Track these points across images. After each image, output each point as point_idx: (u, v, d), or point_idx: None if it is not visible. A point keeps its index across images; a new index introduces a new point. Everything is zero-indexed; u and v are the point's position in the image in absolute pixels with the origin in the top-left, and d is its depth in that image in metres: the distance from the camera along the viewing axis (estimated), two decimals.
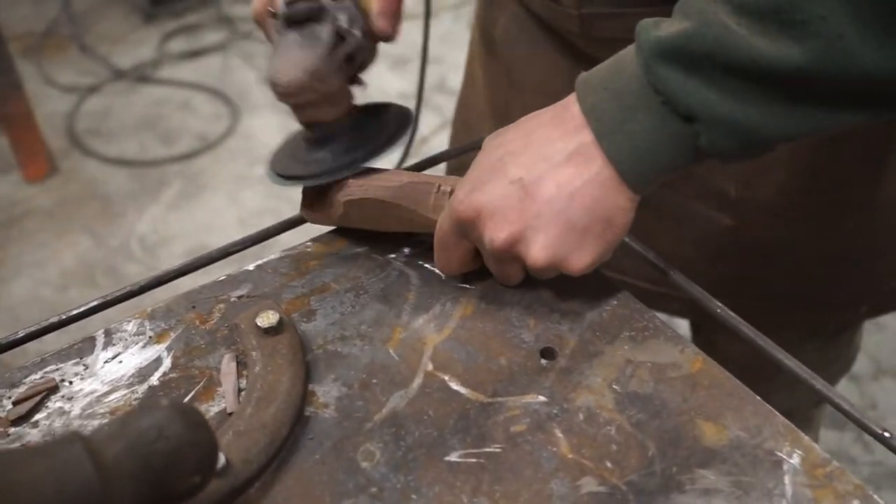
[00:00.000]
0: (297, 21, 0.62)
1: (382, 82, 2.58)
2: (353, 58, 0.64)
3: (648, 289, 0.87)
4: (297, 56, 0.61)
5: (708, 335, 0.98)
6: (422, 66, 0.93)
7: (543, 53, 0.83)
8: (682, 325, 1.06)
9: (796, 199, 0.79)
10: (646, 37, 0.53)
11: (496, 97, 0.92)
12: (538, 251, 0.56)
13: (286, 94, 0.62)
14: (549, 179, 0.56)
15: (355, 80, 0.66)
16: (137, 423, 0.40)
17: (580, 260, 0.57)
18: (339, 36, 0.62)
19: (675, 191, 0.81)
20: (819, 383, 0.58)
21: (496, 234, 0.57)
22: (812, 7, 0.47)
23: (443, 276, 0.65)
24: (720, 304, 0.64)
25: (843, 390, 1.69)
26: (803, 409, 1.10)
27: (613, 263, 0.87)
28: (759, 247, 0.82)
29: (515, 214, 0.56)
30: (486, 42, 0.92)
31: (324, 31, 0.62)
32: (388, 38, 0.66)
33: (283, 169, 0.67)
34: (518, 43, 0.86)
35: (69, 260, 2.11)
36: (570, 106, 0.57)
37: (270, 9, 0.64)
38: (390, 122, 0.68)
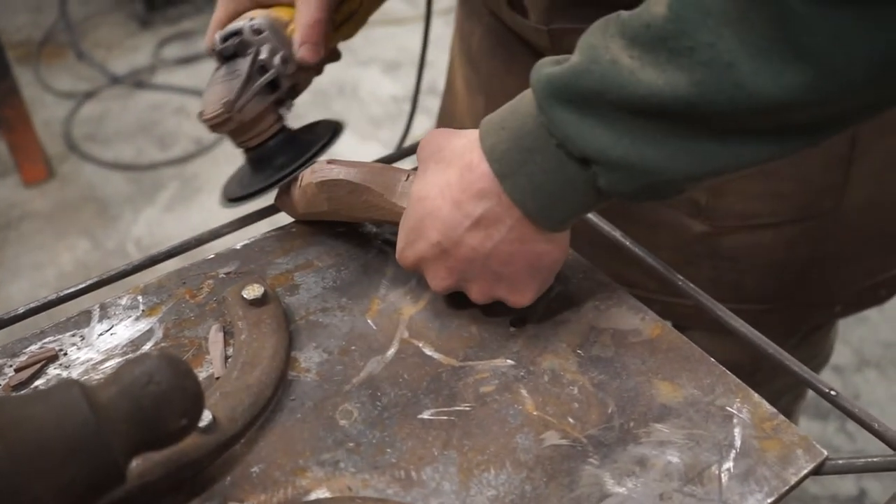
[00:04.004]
0: (226, 56, 0.68)
1: (376, 87, 2.62)
2: (278, 85, 0.69)
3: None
4: (218, 90, 0.68)
5: (687, 335, 1.01)
6: (419, 69, 0.96)
7: (519, 65, 0.84)
8: None
9: (762, 207, 0.81)
10: (538, 74, 0.51)
11: (474, 107, 0.94)
12: (476, 295, 0.61)
13: (211, 126, 0.68)
14: (463, 244, 0.57)
15: (282, 103, 0.71)
16: (130, 370, 0.43)
17: (521, 298, 0.60)
18: (262, 67, 0.68)
19: None
20: (772, 348, 0.62)
21: (435, 283, 0.61)
22: (699, 34, 0.44)
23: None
24: (710, 298, 0.66)
25: (827, 382, 1.71)
26: (784, 404, 1.12)
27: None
28: (731, 252, 0.84)
29: (444, 271, 0.60)
30: (465, 52, 0.95)
31: (244, 64, 0.67)
32: (312, 66, 0.70)
33: (230, 193, 0.73)
34: (494, 54, 0.88)
35: (67, 262, 2.15)
36: (474, 160, 0.55)
37: (212, 46, 0.70)
38: (321, 134, 0.72)
